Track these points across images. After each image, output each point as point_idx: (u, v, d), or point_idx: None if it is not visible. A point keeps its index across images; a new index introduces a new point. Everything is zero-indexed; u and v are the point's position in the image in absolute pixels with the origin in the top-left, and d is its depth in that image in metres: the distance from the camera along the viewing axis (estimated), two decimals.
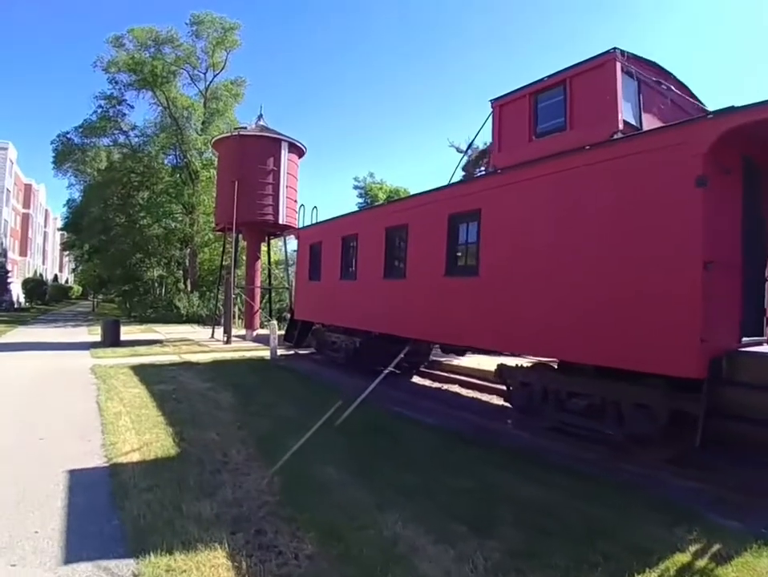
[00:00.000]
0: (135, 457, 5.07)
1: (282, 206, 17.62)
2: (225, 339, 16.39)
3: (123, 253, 33.01)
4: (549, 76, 6.59)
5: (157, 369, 11.07)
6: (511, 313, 6.43)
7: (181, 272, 35.87)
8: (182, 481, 4.38)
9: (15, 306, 41.11)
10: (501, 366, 7.28)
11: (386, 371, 7.68)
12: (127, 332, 18.93)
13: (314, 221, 13.51)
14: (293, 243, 20.79)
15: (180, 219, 32.39)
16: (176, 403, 7.43)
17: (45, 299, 51.34)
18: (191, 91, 33.01)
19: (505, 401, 7.52)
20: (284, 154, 17.77)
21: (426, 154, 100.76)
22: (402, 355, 8.07)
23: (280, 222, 17.64)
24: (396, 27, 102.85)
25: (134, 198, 34.07)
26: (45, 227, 75.91)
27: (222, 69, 33.49)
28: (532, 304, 6.10)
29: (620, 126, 5.74)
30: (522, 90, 6.94)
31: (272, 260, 22.65)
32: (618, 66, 5.80)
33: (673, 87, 6.34)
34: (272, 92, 79.41)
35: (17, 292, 46.23)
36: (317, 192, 65.44)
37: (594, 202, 5.49)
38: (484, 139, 18.87)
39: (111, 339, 15.43)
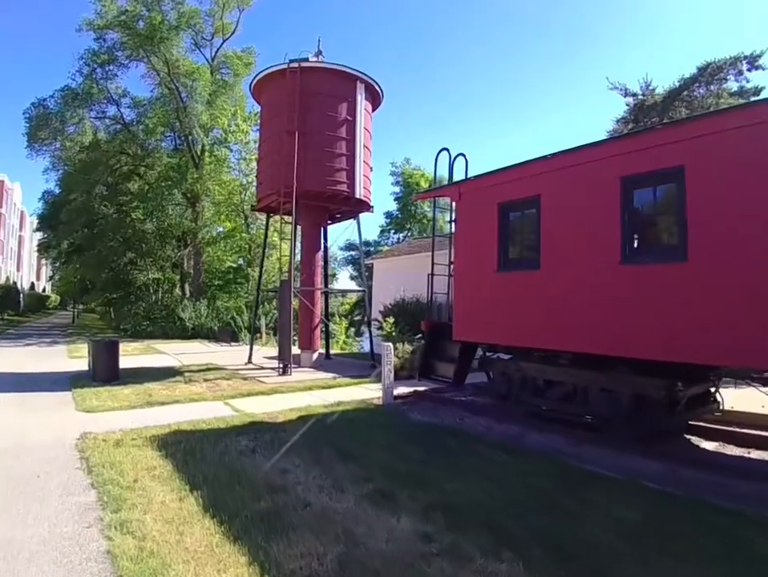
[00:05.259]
0: None
1: (359, 173, 11.84)
2: (282, 368, 10.80)
3: (111, 252, 26.97)
4: None
5: (213, 445, 5.54)
6: None
7: (179, 275, 30.05)
8: None
9: None
10: None
11: None
12: (122, 352, 13.23)
13: (450, 178, 8.19)
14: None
15: (177, 212, 26.60)
16: None
17: (19, 309, 44.64)
18: (194, 60, 27.43)
19: None
20: (361, 99, 12.10)
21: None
22: None
23: (357, 196, 11.94)
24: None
25: (124, 185, 28.24)
26: (20, 230, 69.51)
27: (233, 33, 28.00)
28: None
29: None
30: None
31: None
32: None
33: None
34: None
35: None
36: None
37: None
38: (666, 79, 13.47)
39: (107, 372, 9.75)
